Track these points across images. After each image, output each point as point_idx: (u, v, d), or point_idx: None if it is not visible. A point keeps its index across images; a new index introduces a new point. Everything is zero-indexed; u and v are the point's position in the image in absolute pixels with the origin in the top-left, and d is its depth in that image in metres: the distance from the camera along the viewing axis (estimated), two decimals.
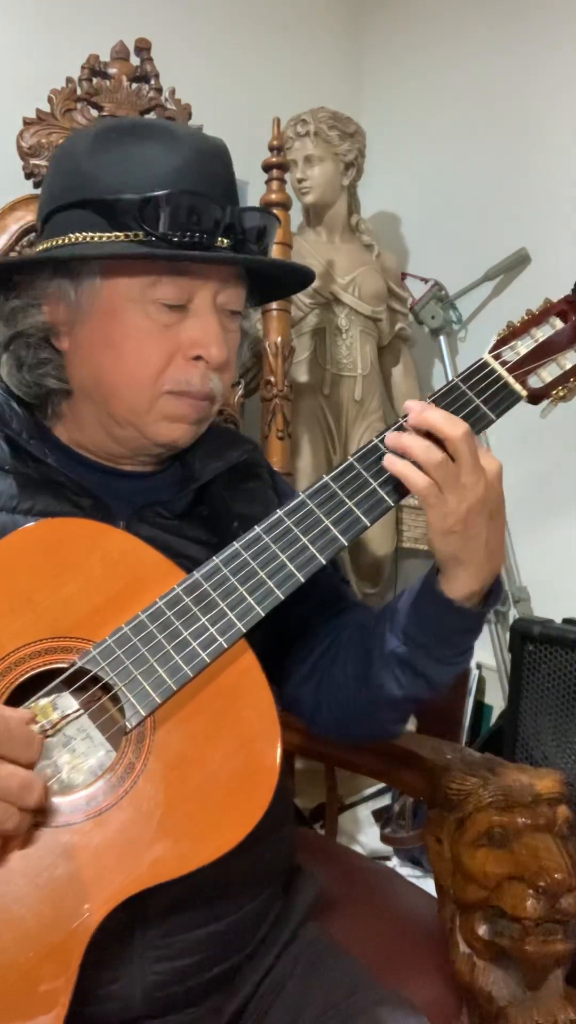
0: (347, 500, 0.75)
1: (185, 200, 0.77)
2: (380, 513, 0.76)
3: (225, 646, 0.72)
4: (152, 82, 1.44)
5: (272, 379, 1.51)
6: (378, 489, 0.75)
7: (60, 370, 0.84)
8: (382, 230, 2.35)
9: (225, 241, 0.79)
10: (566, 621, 1.68)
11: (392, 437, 0.75)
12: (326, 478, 0.76)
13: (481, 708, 2.14)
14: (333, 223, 2.09)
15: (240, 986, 0.83)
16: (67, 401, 0.86)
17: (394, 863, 1.85)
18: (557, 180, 2.02)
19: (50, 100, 1.38)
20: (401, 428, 0.76)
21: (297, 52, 2.33)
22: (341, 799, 1.95)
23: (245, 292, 0.86)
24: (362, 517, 0.75)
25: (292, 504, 0.76)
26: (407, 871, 1.79)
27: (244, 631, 0.72)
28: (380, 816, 1.98)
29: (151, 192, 0.76)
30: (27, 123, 1.35)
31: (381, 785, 2.02)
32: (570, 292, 0.82)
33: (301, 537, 0.75)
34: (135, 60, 1.44)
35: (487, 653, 2.09)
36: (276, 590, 0.73)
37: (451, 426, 0.73)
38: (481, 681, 2.13)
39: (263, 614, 0.73)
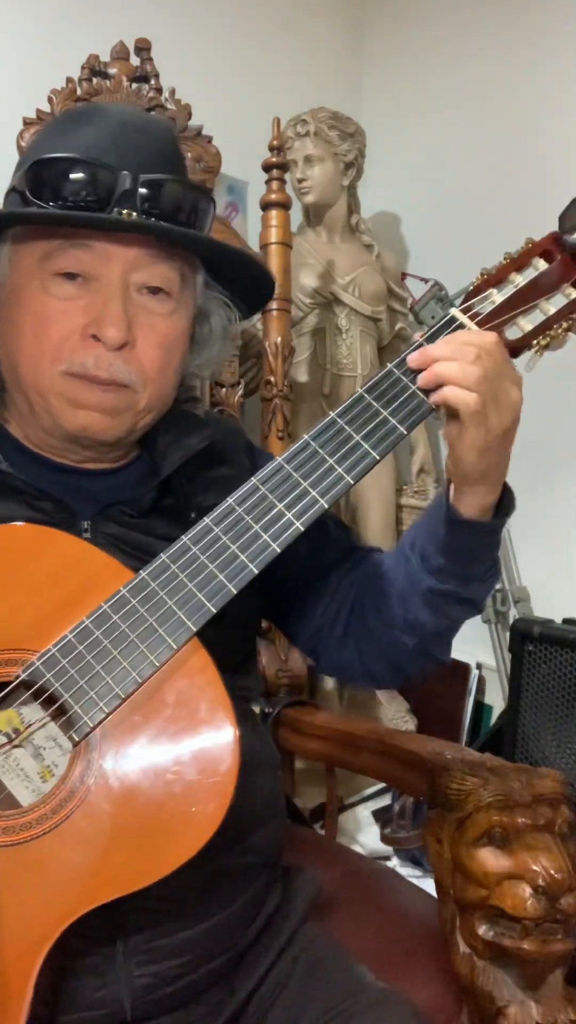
0: (301, 481, 0.71)
1: (66, 165, 0.74)
2: (337, 494, 0.71)
3: (175, 647, 0.68)
4: (152, 82, 1.44)
5: (272, 379, 1.51)
6: (335, 466, 0.71)
7: None
8: (382, 230, 2.35)
9: (133, 214, 0.75)
10: (566, 621, 1.69)
11: (427, 371, 0.71)
12: (279, 460, 0.72)
13: (481, 708, 2.14)
14: (333, 223, 2.10)
15: (239, 985, 0.83)
16: (7, 392, 0.85)
17: (394, 863, 1.85)
18: (557, 180, 2.01)
19: (50, 100, 1.38)
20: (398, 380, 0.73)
21: (297, 52, 2.33)
22: (341, 799, 1.95)
23: (176, 274, 0.80)
24: (319, 498, 0.71)
25: (242, 491, 0.71)
26: (407, 871, 1.79)
27: (195, 630, 0.69)
28: (380, 816, 1.97)
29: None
30: (27, 123, 1.35)
31: (381, 785, 2.02)
32: (556, 230, 0.76)
33: (253, 525, 0.70)
34: (135, 60, 1.44)
35: (487, 653, 2.09)
36: (227, 584, 0.69)
37: (481, 337, 0.71)
38: (481, 681, 2.13)
39: (214, 611, 0.69)
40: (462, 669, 2.12)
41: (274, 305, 1.52)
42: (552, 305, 0.75)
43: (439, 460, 2.27)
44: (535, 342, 0.75)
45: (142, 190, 0.75)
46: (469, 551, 0.80)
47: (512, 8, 2.12)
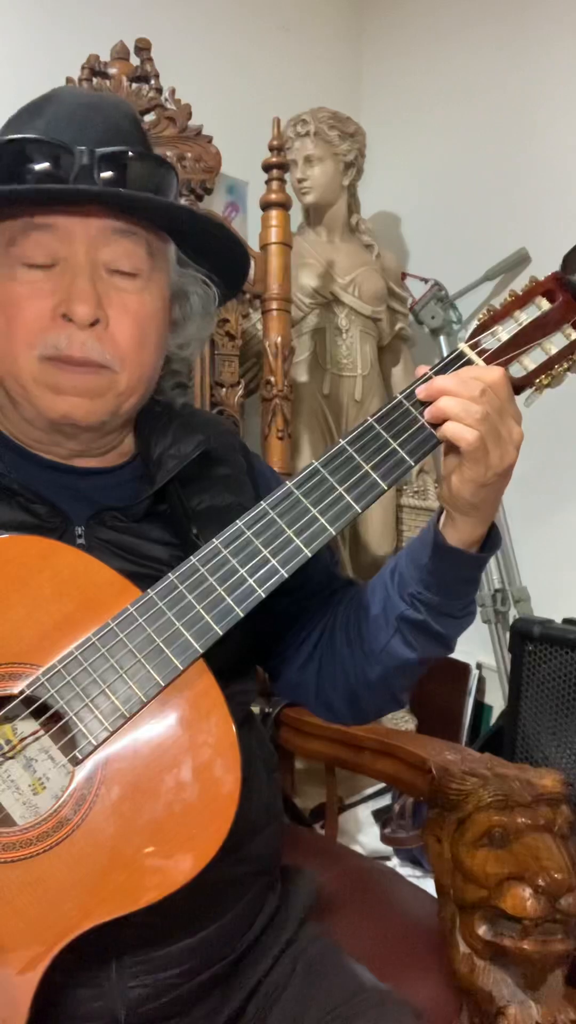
0: (311, 508, 0.71)
1: (19, 146, 0.74)
2: (345, 522, 0.72)
3: (181, 668, 0.68)
4: (152, 82, 1.44)
5: (272, 379, 1.51)
6: (344, 495, 0.72)
7: None
8: (382, 230, 2.35)
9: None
10: (566, 621, 1.68)
11: (431, 406, 0.72)
12: (289, 484, 0.72)
13: (481, 708, 2.14)
14: (333, 223, 2.09)
15: (237, 988, 0.82)
16: None
17: (394, 863, 1.85)
18: (557, 180, 2.02)
19: None
20: (407, 412, 0.73)
21: (297, 52, 2.33)
22: (341, 799, 1.95)
23: (143, 249, 0.79)
24: (327, 526, 0.71)
25: (252, 514, 0.72)
26: (407, 871, 1.79)
27: (202, 652, 0.69)
28: (380, 816, 1.98)
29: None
30: None
31: (381, 785, 2.02)
32: (558, 270, 0.76)
33: (262, 549, 0.70)
34: (135, 60, 1.44)
35: (487, 653, 2.10)
36: (235, 607, 0.70)
37: (487, 373, 0.71)
38: (481, 681, 2.13)
39: (221, 633, 0.69)
40: (462, 669, 2.12)
41: (274, 305, 1.52)
42: (554, 345, 0.76)
43: (439, 460, 2.27)
44: (537, 381, 0.76)
45: (100, 165, 0.75)
46: (449, 582, 0.79)
47: (511, 9, 2.12)
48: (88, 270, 0.76)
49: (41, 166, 0.74)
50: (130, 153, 0.77)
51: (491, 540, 0.79)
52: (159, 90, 1.44)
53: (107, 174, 0.75)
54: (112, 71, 1.42)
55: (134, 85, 1.43)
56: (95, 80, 1.41)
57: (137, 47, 1.44)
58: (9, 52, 1.81)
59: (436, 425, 0.73)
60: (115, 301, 0.78)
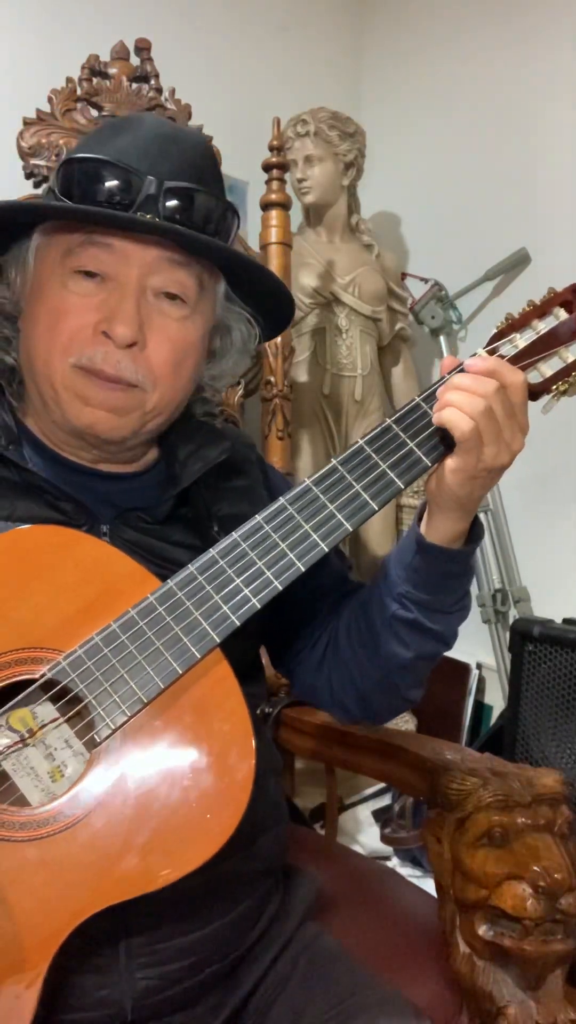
0: (328, 504, 0.73)
1: (93, 165, 0.77)
2: (362, 519, 0.74)
3: (198, 656, 0.70)
4: (152, 82, 1.44)
5: (272, 379, 1.51)
6: (361, 492, 0.74)
7: (18, 351, 0.85)
8: (382, 230, 2.35)
9: (157, 220, 0.77)
10: (566, 621, 1.68)
11: (440, 390, 0.74)
12: (308, 482, 0.74)
13: (481, 708, 2.14)
14: (333, 223, 2.10)
15: (238, 986, 0.83)
16: (24, 386, 0.86)
17: (394, 863, 1.85)
18: (557, 180, 2.02)
19: (50, 100, 1.38)
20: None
21: (297, 52, 2.33)
22: (341, 799, 1.95)
23: (194, 281, 0.82)
24: (344, 521, 0.73)
25: (270, 509, 0.74)
26: (407, 871, 1.79)
27: (219, 641, 0.70)
28: (380, 816, 1.98)
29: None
30: (27, 123, 1.35)
31: (381, 785, 2.02)
32: None
33: (280, 543, 0.72)
34: (135, 60, 1.44)
35: (487, 653, 2.10)
36: (252, 598, 0.71)
37: (510, 374, 0.73)
38: (481, 681, 2.13)
39: (238, 623, 0.71)
40: (462, 669, 2.12)
41: None
42: (571, 353, 0.78)
43: None
44: (555, 387, 0.78)
45: (166, 197, 0.77)
46: (435, 579, 0.80)
47: (512, 8, 2.12)
48: (136, 293, 0.79)
49: (109, 187, 0.77)
50: (196, 190, 0.79)
51: (474, 533, 0.81)
52: (159, 90, 1.44)
53: (171, 204, 0.78)
54: (112, 71, 1.42)
55: (134, 85, 1.43)
56: (95, 80, 1.40)
57: (137, 47, 1.44)
58: (9, 52, 1.81)
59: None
60: (157, 325, 0.80)
